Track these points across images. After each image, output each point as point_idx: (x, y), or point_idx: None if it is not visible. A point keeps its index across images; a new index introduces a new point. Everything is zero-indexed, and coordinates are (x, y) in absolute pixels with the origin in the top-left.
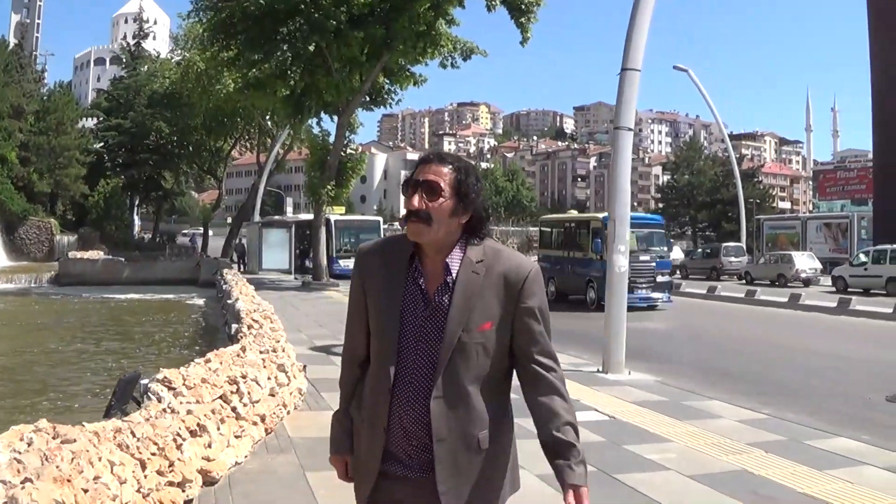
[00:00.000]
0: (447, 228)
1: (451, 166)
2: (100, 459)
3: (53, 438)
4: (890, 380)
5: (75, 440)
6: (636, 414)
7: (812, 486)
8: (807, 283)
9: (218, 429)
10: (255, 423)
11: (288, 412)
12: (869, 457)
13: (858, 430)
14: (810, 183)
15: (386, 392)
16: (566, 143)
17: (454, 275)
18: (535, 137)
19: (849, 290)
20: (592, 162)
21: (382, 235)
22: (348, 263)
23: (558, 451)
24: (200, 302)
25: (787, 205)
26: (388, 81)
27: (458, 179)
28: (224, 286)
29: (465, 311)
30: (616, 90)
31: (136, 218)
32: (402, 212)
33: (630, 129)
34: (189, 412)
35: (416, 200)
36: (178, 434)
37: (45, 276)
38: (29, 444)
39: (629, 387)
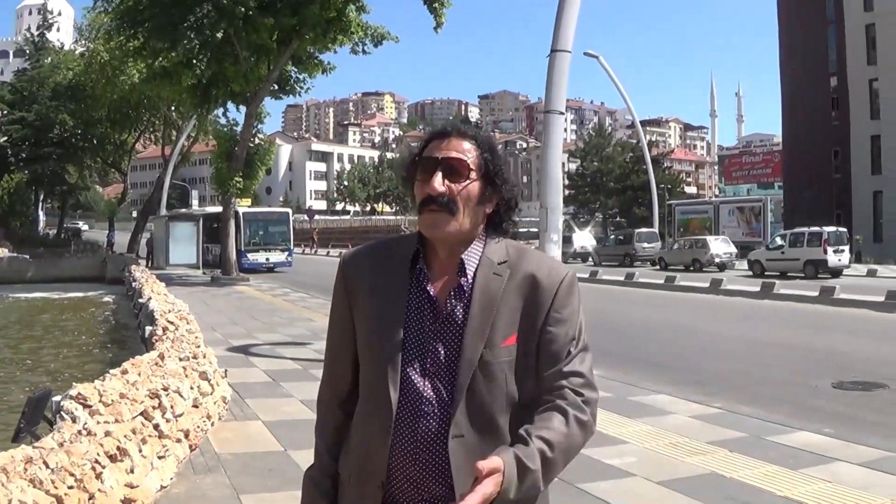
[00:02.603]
0: (473, 220)
1: (474, 142)
2: (10, 502)
3: None
4: (828, 365)
5: None
6: None
7: (790, 488)
8: (722, 267)
9: (140, 450)
10: (178, 441)
11: (212, 424)
12: (837, 452)
13: (815, 421)
14: (716, 168)
15: (384, 434)
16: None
17: (470, 277)
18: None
19: (766, 273)
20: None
21: (292, 227)
22: (257, 257)
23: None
24: (109, 299)
25: (693, 190)
26: (295, 70)
27: (484, 158)
28: (133, 283)
29: (487, 321)
30: (546, 72)
31: (41, 213)
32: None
33: (561, 113)
34: (107, 433)
35: (437, 182)
36: (97, 461)
37: None
38: None
39: None
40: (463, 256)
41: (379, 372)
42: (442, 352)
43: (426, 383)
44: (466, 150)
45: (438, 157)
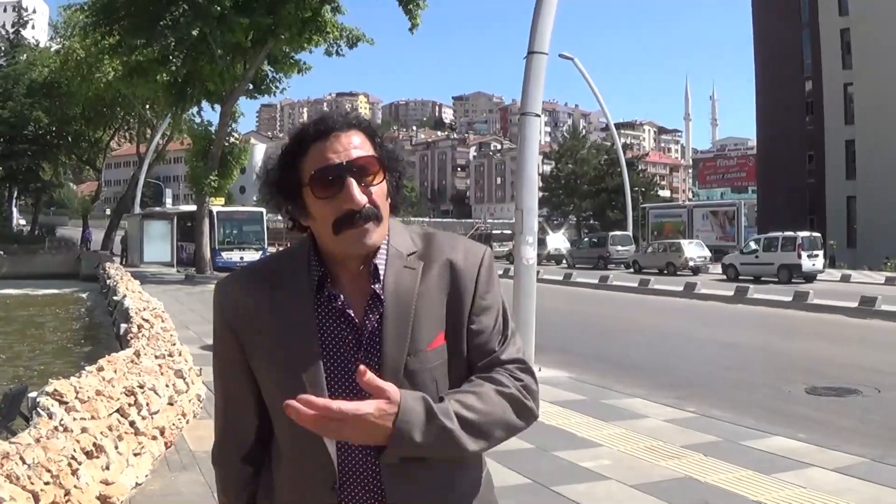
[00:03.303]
0: (388, 219)
1: (361, 132)
2: None
3: None
4: (802, 370)
5: None
6: (558, 415)
7: (764, 492)
8: (696, 271)
9: (116, 447)
10: (154, 438)
11: (187, 422)
12: (811, 457)
13: (789, 426)
14: (690, 171)
15: (328, 494)
16: (445, 133)
17: (383, 280)
18: (414, 127)
19: (740, 277)
20: (472, 152)
21: (265, 227)
22: (231, 255)
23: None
24: (83, 296)
25: (666, 193)
26: (271, 69)
27: (378, 146)
28: (108, 281)
29: (406, 323)
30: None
31: (14, 210)
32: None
33: (538, 115)
34: (84, 430)
35: (357, 193)
36: (74, 457)
37: None
38: None
39: (544, 385)
40: (375, 261)
41: (305, 432)
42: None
43: None
44: (363, 145)
45: (342, 163)
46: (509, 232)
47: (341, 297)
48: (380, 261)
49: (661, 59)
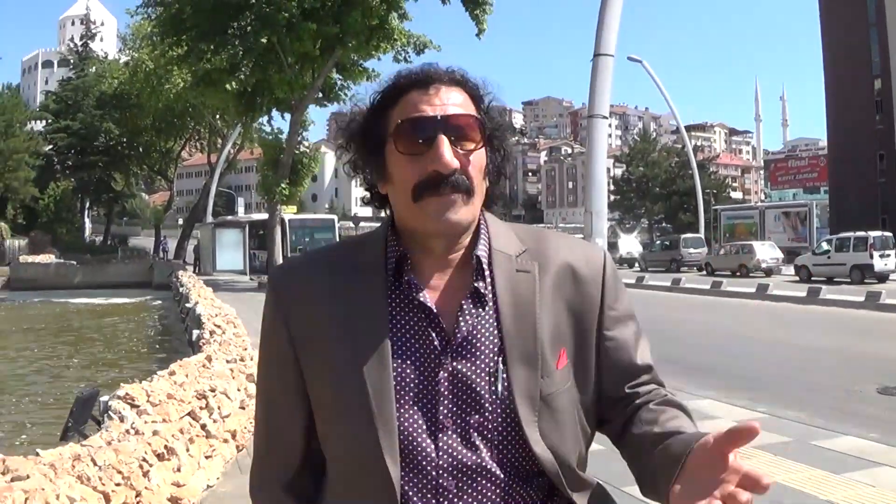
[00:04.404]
0: (481, 201)
1: (466, 92)
2: (57, 497)
3: (2, 474)
4: (873, 371)
5: (28, 476)
6: None
7: (834, 491)
8: (768, 272)
9: (187, 450)
10: (225, 441)
11: None
12: (882, 456)
13: (859, 426)
14: (761, 172)
15: None
16: (516, 138)
17: (489, 277)
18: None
19: (812, 278)
20: (543, 156)
21: (338, 234)
22: None
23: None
24: (157, 304)
25: (738, 195)
26: (340, 77)
27: (482, 111)
28: (181, 289)
29: (532, 339)
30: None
31: (87, 220)
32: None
33: (605, 118)
34: (155, 433)
35: (448, 152)
36: (145, 459)
37: None
38: None
39: None
40: (478, 253)
41: (363, 443)
42: (461, 391)
43: (442, 442)
44: (464, 104)
45: (437, 116)
46: (580, 236)
47: (415, 284)
48: (482, 253)
49: (730, 60)
